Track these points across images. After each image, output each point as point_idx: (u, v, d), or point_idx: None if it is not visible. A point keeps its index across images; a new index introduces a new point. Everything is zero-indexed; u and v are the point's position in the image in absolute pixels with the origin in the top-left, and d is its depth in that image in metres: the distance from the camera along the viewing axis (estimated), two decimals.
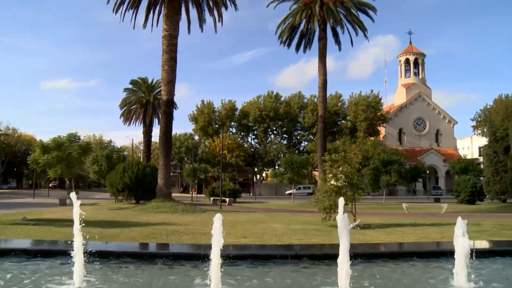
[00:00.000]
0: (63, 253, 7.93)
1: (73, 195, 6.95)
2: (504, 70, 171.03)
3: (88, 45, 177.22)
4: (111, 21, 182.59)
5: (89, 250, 7.16)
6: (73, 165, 38.30)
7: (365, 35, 40.27)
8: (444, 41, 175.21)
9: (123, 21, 31.85)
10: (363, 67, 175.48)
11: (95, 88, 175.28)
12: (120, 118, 59.13)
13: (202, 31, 32.97)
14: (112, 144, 49.41)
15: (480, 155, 75.72)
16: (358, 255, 8.22)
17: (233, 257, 8.09)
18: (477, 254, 8.91)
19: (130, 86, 59.14)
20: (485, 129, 67.83)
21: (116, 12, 31.49)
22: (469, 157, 78.05)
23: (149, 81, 58.64)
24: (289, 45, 42.62)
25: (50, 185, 70.74)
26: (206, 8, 32.43)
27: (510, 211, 31.03)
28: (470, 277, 6.84)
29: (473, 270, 7.04)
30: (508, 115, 65.56)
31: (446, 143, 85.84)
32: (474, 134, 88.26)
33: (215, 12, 32.14)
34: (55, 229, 14.55)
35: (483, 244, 11.64)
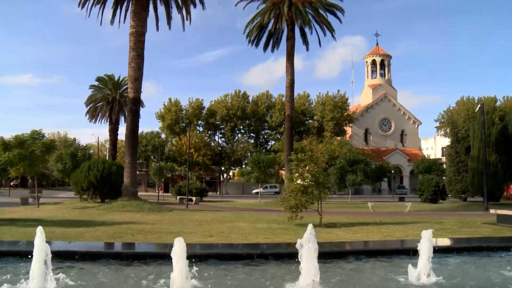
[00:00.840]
0: (23, 254, 7.76)
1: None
2: (466, 72, 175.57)
3: (51, 39, 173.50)
4: (76, 15, 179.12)
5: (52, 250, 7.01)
6: (36, 163, 37.36)
7: (332, 36, 40.72)
8: (409, 43, 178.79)
9: (89, 16, 31.34)
10: (331, 67, 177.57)
11: (59, 84, 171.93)
12: (85, 115, 58.33)
13: (170, 28, 32.74)
14: (77, 142, 48.73)
15: (443, 155, 77.60)
16: (324, 253, 8.31)
17: (199, 256, 8.07)
18: (439, 251, 9.17)
19: (96, 83, 58.26)
20: (447, 130, 69.67)
21: (82, 7, 30.99)
22: (432, 157, 79.94)
23: (116, 78, 57.89)
24: (257, 45, 42.72)
25: (11, 183, 68.89)
26: (174, 5, 32.20)
27: (470, 209, 31.84)
28: (432, 273, 7.00)
29: (435, 266, 7.20)
30: (470, 117, 67.32)
31: (411, 143, 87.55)
32: (438, 134, 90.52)
33: (183, 10, 31.94)
34: (16, 229, 14.20)
35: (445, 242, 11.93)
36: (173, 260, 6.22)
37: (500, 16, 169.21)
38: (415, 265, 7.19)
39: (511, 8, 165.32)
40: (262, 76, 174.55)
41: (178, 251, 6.18)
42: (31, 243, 6.42)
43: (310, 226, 6.69)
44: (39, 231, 6.34)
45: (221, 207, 33.28)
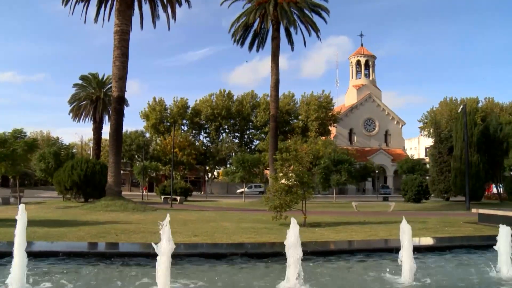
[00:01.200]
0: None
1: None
2: (449, 73, 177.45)
3: (34, 37, 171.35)
4: (60, 13, 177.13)
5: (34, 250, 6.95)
6: (18, 162, 36.96)
7: (318, 36, 40.95)
8: (394, 43, 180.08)
9: (72, 14, 31.03)
10: (316, 67, 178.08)
11: (43, 82, 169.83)
12: (69, 114, 57.68)
13: (154, 27, 32.73)
14: (60, 141, 48.02)
15: (426, 155, 78.41)
16: (308, 253, 8.34)
17: (184, 255, 8.05)
18: (422, 250, 9.27)
19: (80, 82, 57.70)
20: (431, 131, 70.37)
21: (66, 4, 30.71)
22: (416, 157, 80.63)
23: (100, 77, 57.40)
24: (242, 44, 42.73)
25: None
26: (159, 4, 32.08)
27: (452, 209, 32.20)
28: (415, 272, 7.07)
29: (418, 265, 7.27)
30: (452, 117, 68.01)
31: (395, 144, 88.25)
32: (421, 135, 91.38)
33: (169, 9, 31.84)
34: None
35: (428, 241, 12.05)
36: (157, 260, 6.20)
37: (481, 18, 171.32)
38: (398, 263, 7.24)
39: (493, 9, 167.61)
40: (248, 75, 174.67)
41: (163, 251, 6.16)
42: (11, 244, 6.34)
43: (293, 221, 6.68)
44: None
45: (205, 207, 33.23)
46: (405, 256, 7.03)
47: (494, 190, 46.98)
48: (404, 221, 7.28)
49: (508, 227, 7.68)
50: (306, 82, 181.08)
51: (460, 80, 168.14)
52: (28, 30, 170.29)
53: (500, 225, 7.78)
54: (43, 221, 16.54)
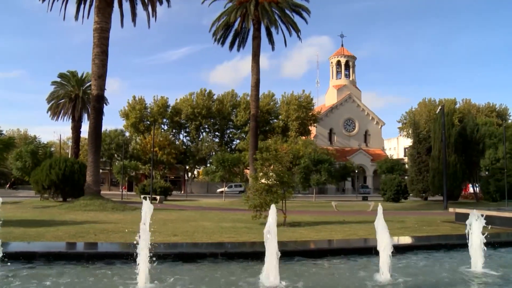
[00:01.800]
0: None
1: None
2: (428, 74, 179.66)
3: (10, 33, 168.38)
4: (38, 9, 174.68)
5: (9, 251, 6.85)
6: None
7: (298, 36, 41.11)
8: (374, 44, 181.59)
9: (51, 10, 30.67)
10: (298, 66, 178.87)
11: (19, 79, 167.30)
12: (47, 112, 57.20)
13: (135, 25, 32.47)
14: (37, 139, 47.51)
15: (405, 156, 79.29)
16: (288, 252, 8.38)
17: (163, 255, 8.02)
18: (400, 250, 9.37)
19: (59, 80, 57.10)
20: (410, 131, 71.19)
21: (44, 0, 30.30)
22: (395, 157, 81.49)
23: (79, 74, 56.88)
24: (223, 43, 42.64)
25: None
26: (139, 2, 31.84)
27: (430, 208, 32.62)
28: (392, 270, 7.15)
29: (396, 264, 7.36)
30: (431, 118, 68.94)
31: (374, 144, 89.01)
32: (400, 135, 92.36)
33: (149, 7, 31.63)
34: None
35: (406, 240, 12.19)
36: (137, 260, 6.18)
37: (460, 20, 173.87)
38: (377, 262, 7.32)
39: (471, 12, 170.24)
40: (229, 73, 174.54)
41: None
42: None
43: (272, 207, 6.77)
44: None
45: (185, 206, 33.09)
46: (383, 253, 7.12)
47: (471, 190, 47.71)
48: (378, 218, 7.39)
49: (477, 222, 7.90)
50: (288, 81, 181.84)
51: (439, 81, 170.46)
52: (3, 25, 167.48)
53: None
54: (20, 221, 16.29)
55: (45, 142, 49.32)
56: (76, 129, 56.50)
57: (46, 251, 8.53)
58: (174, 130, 78.78)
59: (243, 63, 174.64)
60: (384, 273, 7.02)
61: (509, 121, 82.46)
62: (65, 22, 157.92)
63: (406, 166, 56.15)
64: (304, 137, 74.25)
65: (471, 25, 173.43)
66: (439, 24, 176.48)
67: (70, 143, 71.60)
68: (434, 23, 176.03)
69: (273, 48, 43.34)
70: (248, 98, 67.82)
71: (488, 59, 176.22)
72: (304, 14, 40.28)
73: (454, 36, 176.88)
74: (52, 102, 56.51)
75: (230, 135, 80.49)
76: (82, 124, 56.03)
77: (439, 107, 39.27)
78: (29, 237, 11.78)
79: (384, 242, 7.11)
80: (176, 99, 78.69)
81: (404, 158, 77.08)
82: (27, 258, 7.90)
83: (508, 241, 11.38)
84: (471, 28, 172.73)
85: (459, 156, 39.32)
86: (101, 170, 34.22)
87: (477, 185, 44.64)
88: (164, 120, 77.39)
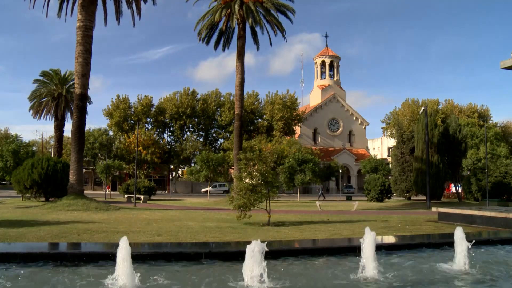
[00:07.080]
0: None
1: None
2: (411, 75, 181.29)
3: None
4: (19, 5, 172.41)
5: None
6: None
7: (283, 36, 41.20)
8: (360, 44, 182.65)
9: (33, 7, 30.33)
10: (284, 65, 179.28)
11: None
12: (29, 111, 56.69)
13: (119, 23, 32.11)
14: (19, 138, 46.84)
15: (389, 156, 79.89)
16: (272, 252, 8.38)
17: (147, 255, 7.98)
18: (384, 248, 9.45)
19: (41, 78, 56.55)
20: (393, 131, 71.70)
21: None
22: (379, 157, 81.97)
23: (62, 73, 56.44)
24: (208, 43, 42.53)
25: None
26: (124, 0, 31.63)
27: (414, 207, 32.94)
28: (378, 269, 7.20)
29: (381, 263, 7.41)
30: (414, 118, 69.51)
31: (358, 144, 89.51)
32: (384, 135, 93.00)
33: (134, 5, 31.44)
34: None
35: (390, 239, 12.27)
36: (117, 261, 6.13)
37: (439, 20, 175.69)
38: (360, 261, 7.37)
39: (453, 14, 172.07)
40: (213, 71, 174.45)
41: (123, 251, 6.11)
42: None
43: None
44: None
45: (169, 206, 32.99)
46: (367, 253, 7.18)
47: (453, 190, 48.26)
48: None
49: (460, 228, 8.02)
50: (273, 80, 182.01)
51: (421, 81, 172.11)
52: None
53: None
54: (1, 222, 16.11)
55: (27, 141, 48.64)
56: (59, 128, 56.01)
57: (27, 251, 8.42)
58: (158, 130, 78.43)
59: (228, 60, 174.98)
60: (368, 271, 7.07)
61: (490, 122, 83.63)
62: (48, 20, 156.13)
63: (390, 166, 56.58)
64: (288, 137, 74.32)
65: (448, 27, 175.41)
66: (419, 25, 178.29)
67: (52, 142, 70.90)
68: (413, 25, 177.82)
69: (257, 48, 43.49)
70: (232, 97, 67.77)
71: (469, 60, 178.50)
72: (289, 14, 40.39)
73: (437, 37, 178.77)
74: (34, 100, 55.93)
75: (215, 135, 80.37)
76: (65, 123, 55.75)
77: (422, 108, 39.63)
78: (9, 238, 11.64)
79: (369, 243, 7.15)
80: (160, 98, 78.48)
81: (388, 158, 77.64)
82: (7, 259, 7.78)
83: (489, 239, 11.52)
84: (448, 30, 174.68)
85: (442, 156, 39.76)
86: (84, 170, 33.93)
87: (459, 184, 45.14)
88: (148, 119, 76.95)
